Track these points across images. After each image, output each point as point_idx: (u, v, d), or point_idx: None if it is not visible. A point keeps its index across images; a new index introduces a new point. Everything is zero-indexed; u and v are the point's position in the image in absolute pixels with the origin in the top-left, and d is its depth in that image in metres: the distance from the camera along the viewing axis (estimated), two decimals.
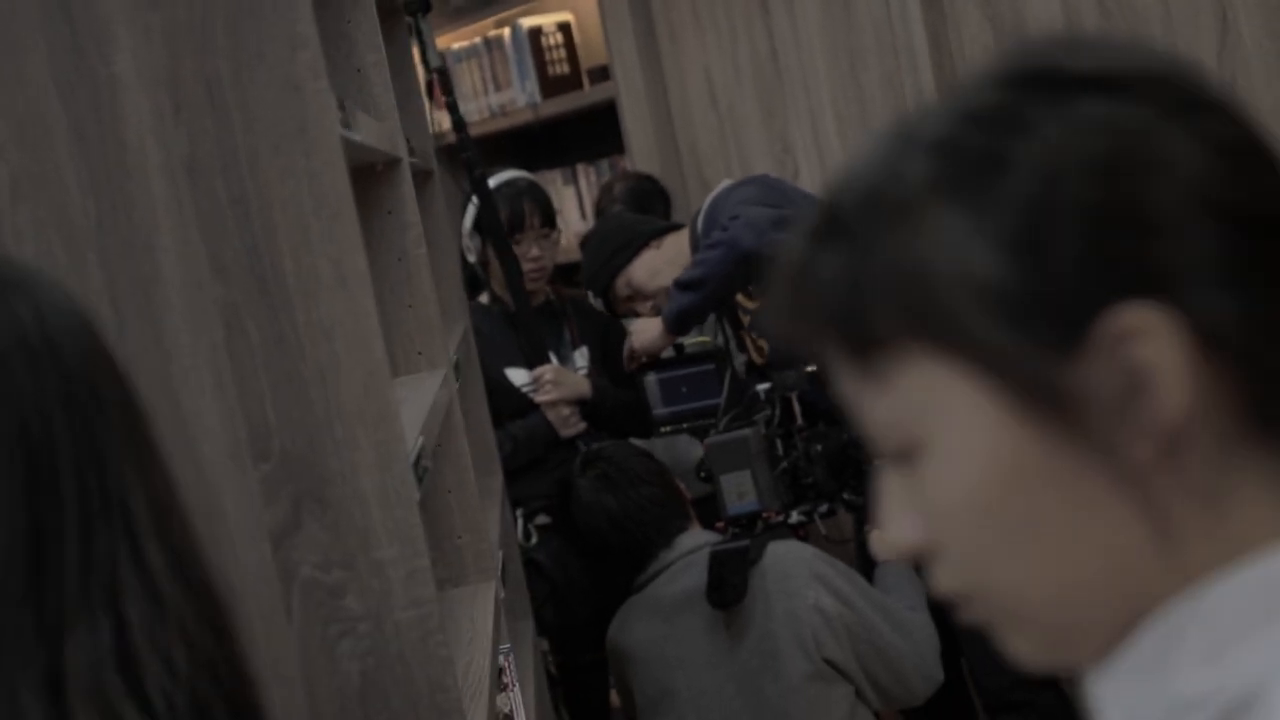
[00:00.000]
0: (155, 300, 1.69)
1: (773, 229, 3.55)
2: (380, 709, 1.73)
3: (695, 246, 3.84)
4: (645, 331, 3.85)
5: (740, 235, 3.59)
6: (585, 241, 4.15)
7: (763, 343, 3.90)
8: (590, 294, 4.11)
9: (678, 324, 3.80)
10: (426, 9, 3.55)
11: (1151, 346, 0.70)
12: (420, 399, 2.20)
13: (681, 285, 3.76)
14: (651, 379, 3.92)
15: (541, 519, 3.94)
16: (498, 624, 2.51)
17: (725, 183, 3.95)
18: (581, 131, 5.42)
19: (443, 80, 3.86)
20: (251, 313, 1.70)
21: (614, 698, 4.07)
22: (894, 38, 4.15)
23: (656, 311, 3.90)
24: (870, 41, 4.24)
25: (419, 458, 1.81)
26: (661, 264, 3.93)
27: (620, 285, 3.99)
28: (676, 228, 4.05)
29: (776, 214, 3.60)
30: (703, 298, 3.70)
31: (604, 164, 5.37)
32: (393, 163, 2.62)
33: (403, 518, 1.72)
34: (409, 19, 3.51)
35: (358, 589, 1.72)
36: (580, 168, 5.43)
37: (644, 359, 3.90)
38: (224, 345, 1.69)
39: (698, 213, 3.94)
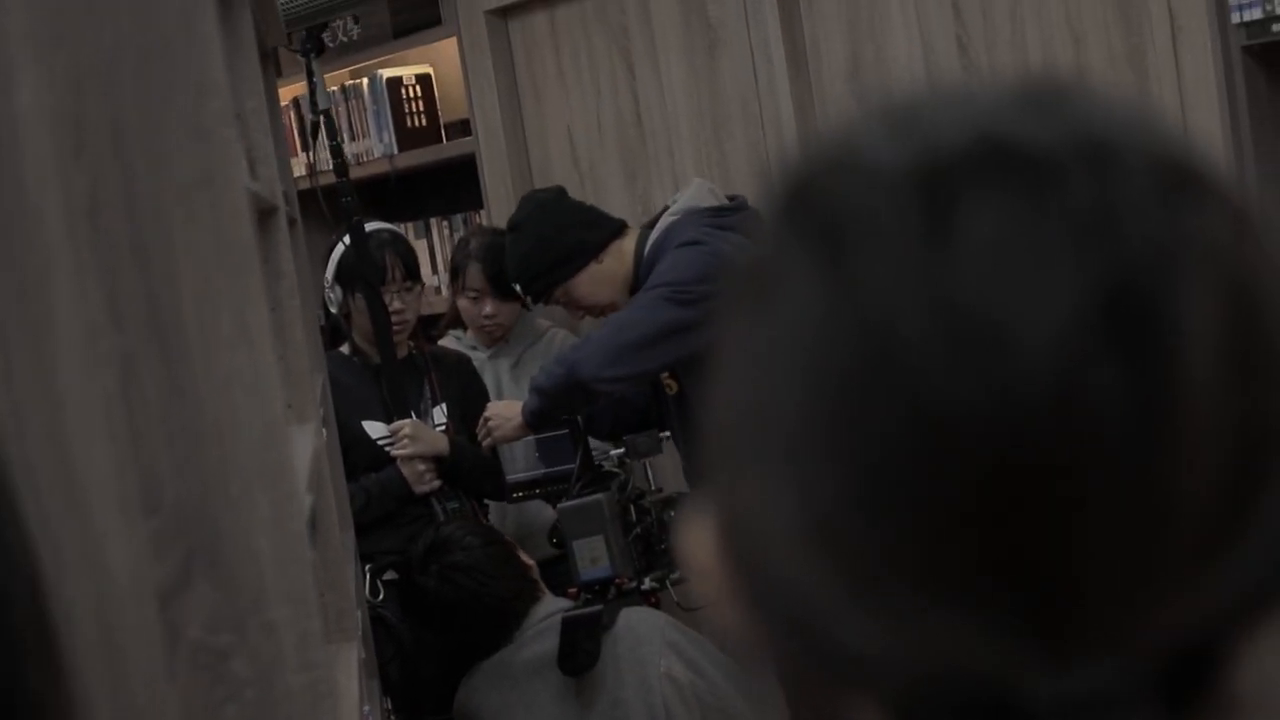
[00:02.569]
0: (47, 346, 1.63)
1: (609, 365, 3.54)
2: None
3: (637, 268, 3.80)
4: (504, 424, 3.81)
5: (576, 365, 3.59)
6: (517, 228, 4.00)
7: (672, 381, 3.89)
8: (516, 287, 4.06)
9: (536, 423, 3.76)
10: (320, 50, 3.51)
11: None
12: (300, 454, 2.15)
13: (535, 389, 3.73)
14: (506, 446, 3.88)
15: (389, 575, 3.88)
16: (362, 686, 2.46)
17: (687, 195, 3.86)
18: (438, 185, 5.39)
19: (328, 124, 3.82)
20: (148, 363, 1.65)
21: None
22: (760, 107, 4.18)
23: (598, 313, 3.87)
24: (736, 109, 4.27)
25: (312, 516, 1.77)
26: (602, 280, 3.89)
27: (557, 295, 3.95)
28: (620, 232, 3.95)
29: (619, 345, 3.56)
30: (549, 409, 3.69)
31: (458, 219, 5.34)
32: (269, 211, 2.58)
33: (296, 577, 1.67)
34: (301, 59, 3.46)
35: (247, 653, 1.67)
36: (434, 222, 5.39)
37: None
38: (119, 395, 1.64)
39: (647, 227, 3.88)
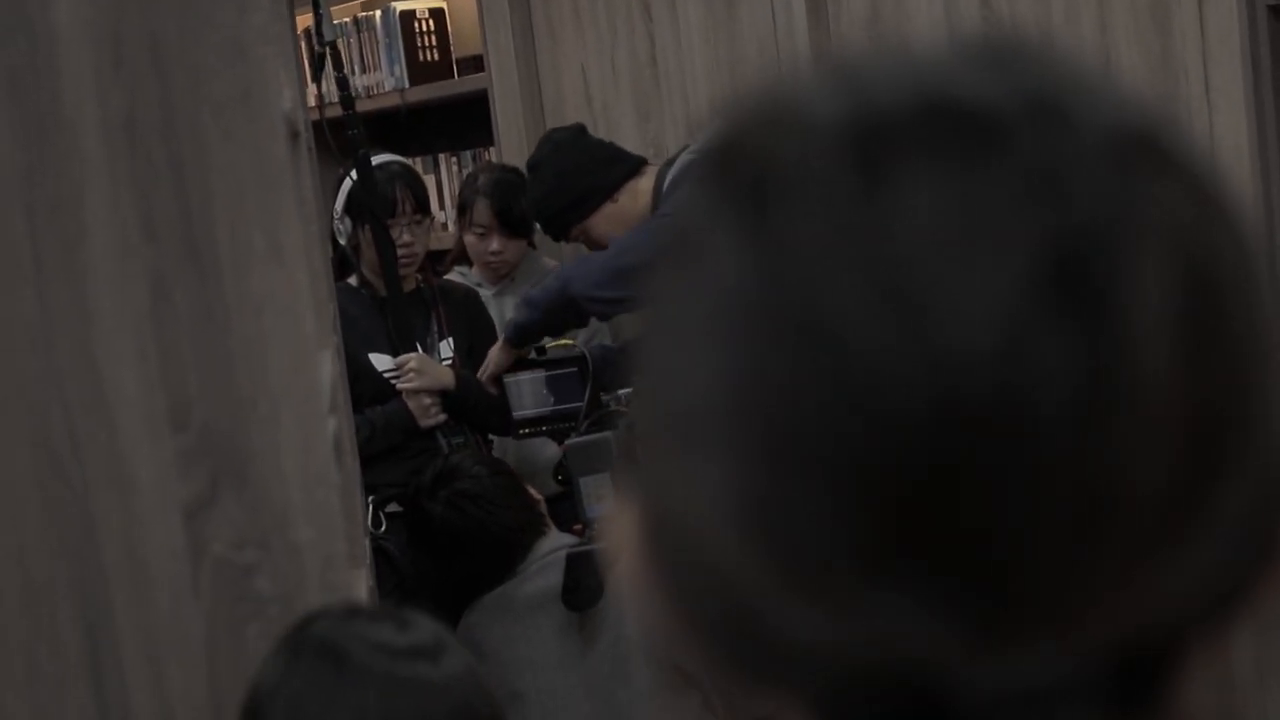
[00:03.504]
0: (80, 260, 1.63)
1: (604, 285, 3.57)
2: None
3: (655, 206, 3.82)
4: (492, 356, 3.87)
5: (572, 280, 3.64)
6: (535, 167, 4.03)
7: None
8: (531, 241, 4.07)
9: (518, 338, 3.81)
10: None
11: None
12: (325, 378, 2.15)
13: (524, 301, 3.79)
14: (513, 381, 3.89)
15: (392, 507, 3.89)
16: None
17: (705, 140, 3.88)
18: (448, 121, 5.37)
19: (334, 55, 3.80)
20: (180, 280, 1.65)
21: None
22: (777, 51, 4.16)
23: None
24: (752, 53, 4.25)
25: (337, 439, 1.77)
26: (619, 219, 3.91)
27: (574, 234, 3.99)
28: (637, 170, 3.97)
29: (615, 268, 3.59)
30: (535, 322, 3.73)
31: (468, 155, 5.32)
32: (294, 134, 2.57)
33: (322, 500, 1.68)
34: None
35: (270, 570, 1.68)
36: (443, 157, 5.37)
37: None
38: (149, 312, 1.64)
39: (667, 165, 3.89)
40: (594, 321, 4.13)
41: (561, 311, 3.70)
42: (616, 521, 0.62)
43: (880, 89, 0.54)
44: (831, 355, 0.52)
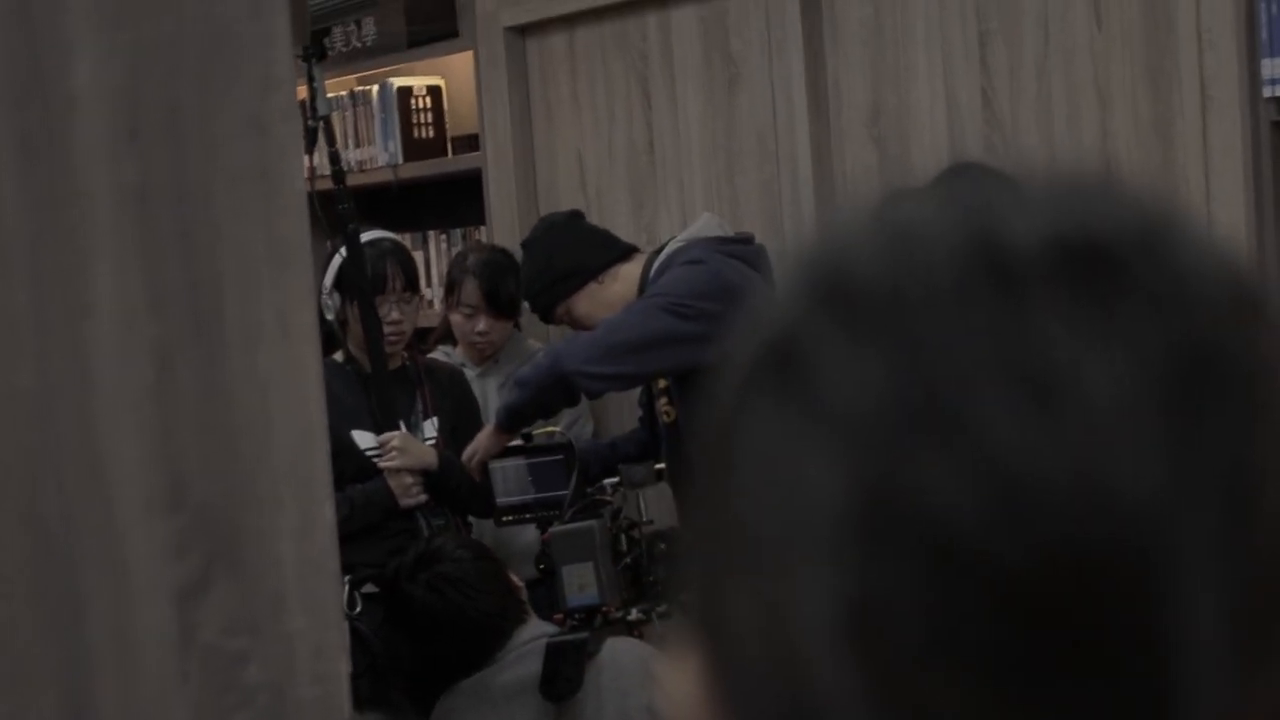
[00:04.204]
0: (84, 331, 1.59)
1: (595, 361, 3.58)
2: None
3: (641, 291, 3.82)
4: (480, 441, 3.84)
5: (563, 356, 3.66)
6: (528, 246, 4.08)
7: (669, 408, 3.92)
8: (516, 323, 4.13)
9: (507, 422, 3.79)
10: (322, 55, 3.48)
11: None
12: (324, 462, 2.11)
13: (514, 382, 3.78)
14: (497, 467, 3.85)
15: (368, 588, 3.84)
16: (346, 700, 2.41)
17: (696, 226, 3.91)
18: (439, 198, 5.35)
19: (327, 129, 3.79)
20: (185, 355, 1.61)
21: None
22: (776, 145, 4.16)
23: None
24: (751, 145, 4.24)
25: (333, 525, 1.73)
26: (602, 301, 3.90)
27: (560, 313, 3.98)
28: (627, 255, 3.99)
29: (607, 344, 3.60)
30: (527, 402, 3.72)
31: (458, 233, 5.30)
32: (305, 215, 2.54)
33: (318, 587, 1.63)
34: (303, 64, 3.43)
35: (261, 658, 1.63)
36: (433, 234, 5.35)
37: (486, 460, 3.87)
38: (151, 386, 1.59)
39: (654, 254, 3.91)
40: (569, 412, 4.10)
41: (552, 389, 3.68)
42: (672, 675, 0.58)
43: (998, 218, 0.55)
44: (974, 453, 0.51)
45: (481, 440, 3.86)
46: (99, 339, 1.58)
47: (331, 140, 3.87)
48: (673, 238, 3.92)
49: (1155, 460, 0.50)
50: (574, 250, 3.96)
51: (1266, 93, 3.21)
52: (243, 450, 1.61)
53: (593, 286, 3.93)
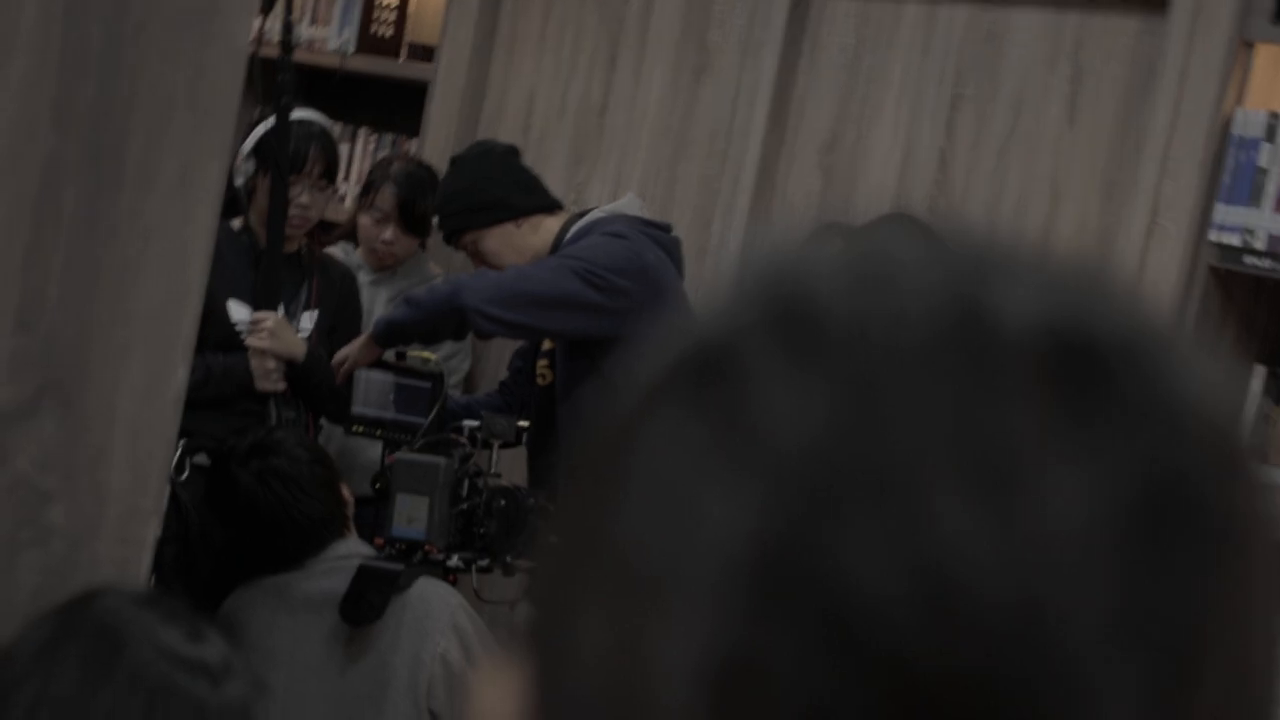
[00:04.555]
0: None
1: (496, 304, 3.52)
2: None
3: (553, 250, 3.75)
4: (354, 348, 3.77)
5: (465, 289, 3.59)
6: (457, 163, 3.95)
7: (547, 370, 3.86)
8: (422, 242, 4.02)
9: (386, 336, 3.72)
10: None
11: None
12: (189, 326, 2.04)
13: (406, 299, 3.71)
14: (362, 375, 3.78)
15: (200, 458, 3.75)
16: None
17: (620, 203, 3.85)
18: (379, 99, 5.25)
19: None
20: (76, 178, 1.53)
21: None
22: (727, 146, 4.11)
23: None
24: (702, 138, 4.20)
25: (180, 393, 1.66)
26: (513, 245, 3.82)
27: (466, 240, 3.87)
28: (550, 208, 3.91)
29: (513, 290, 3.56)
30: (414, 323, 3.65)
31: (388, 138, 5.21)
32: (240, 74, 2.46)
33: (147, 451, 1.57)
34: None
35: (68, 503, 1.56)
36: (364, 132, 5.25)
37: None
38: (34, 199, 1.52)
39: (574, 216, 3.84)
40: (450, 344, 4.04)
41: (444, 318, 3.61)
42: (489, 686, 0.53)
43: (988, 288, 0.49)
44: (904, 521, 0.45)
45: (356, 347, 3.78)
46: None
47: (290, 8, 3.77)
48: (594, 207, 3.87)
49: (1104, 599, 0.46)
50: (502, 185, 3.87)
51: (1213, 235, 3.21)
52: (107, 290, 1.54)
53: (509, 227, 3.85)
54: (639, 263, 3.65)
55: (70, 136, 1.51)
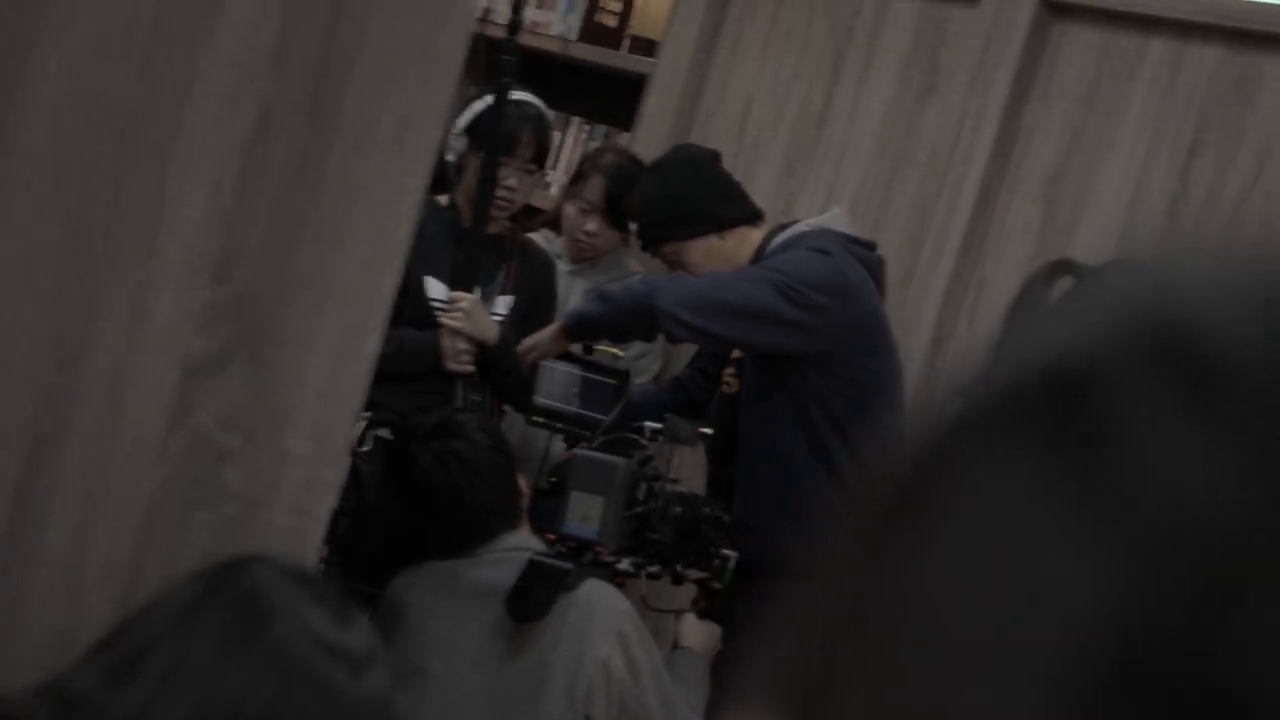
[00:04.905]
0: (197, 59, 1.44)
1: (690, 309, 3.43)
2: None
3: (755, 261, 3.66)
4: (542, 337, 3.69)
5: (660, 292, 3.49)
6: (660, 170, 3.85)
7: (733, 379, 3.77)
8: (625, 237, 3.91)
9: (577, 329, 3.64)
10: None
11: None
12: (387, 292, 1.97)
13: (599, 294, 3.63)
14: (548, 365, 3.71)
15: (383, 432, 3.71)
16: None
17: (826, 217, 3.75)
18: (595, 89, 5.20)
19: None
20: (290, 125, 1.47)
21: None
22: (947, 168, 3.98)
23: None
24: (922, 158, 4.07)
25: (373, 362, 1.59)
26: (715, 256, 3.73)
27: (667, 250, 3.79)
28: (753, 219, 3.81)
29: (709, 298, 3.46)
30: (605, 319, 3.57)
31: (601, 129, 5.15)
32: (468, 39, 2.40)
33: (333, 419, 1.50)
34: None
35: (246, 465, 1.49)
36: (577, 121, 5.20)
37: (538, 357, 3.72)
38: (244, 143, 1.46)
39: (778, 228, 3.74)
40: (640, 344, 3.97)
41: (636, 318, 3.53)
42: None
43: None
44: None
45: (544, 336, 3.71)
46: (209, 73, 1.44)
47: None
48: (798, 219, 3.76)
49: None
50: (707, 194, 3.77)
51: None
52: (309, 247, 1.47)
53: (712, 239, 3.75)
54: (840, 281, 3.54)
55: (288, 83, 1.45)
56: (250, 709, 1.15)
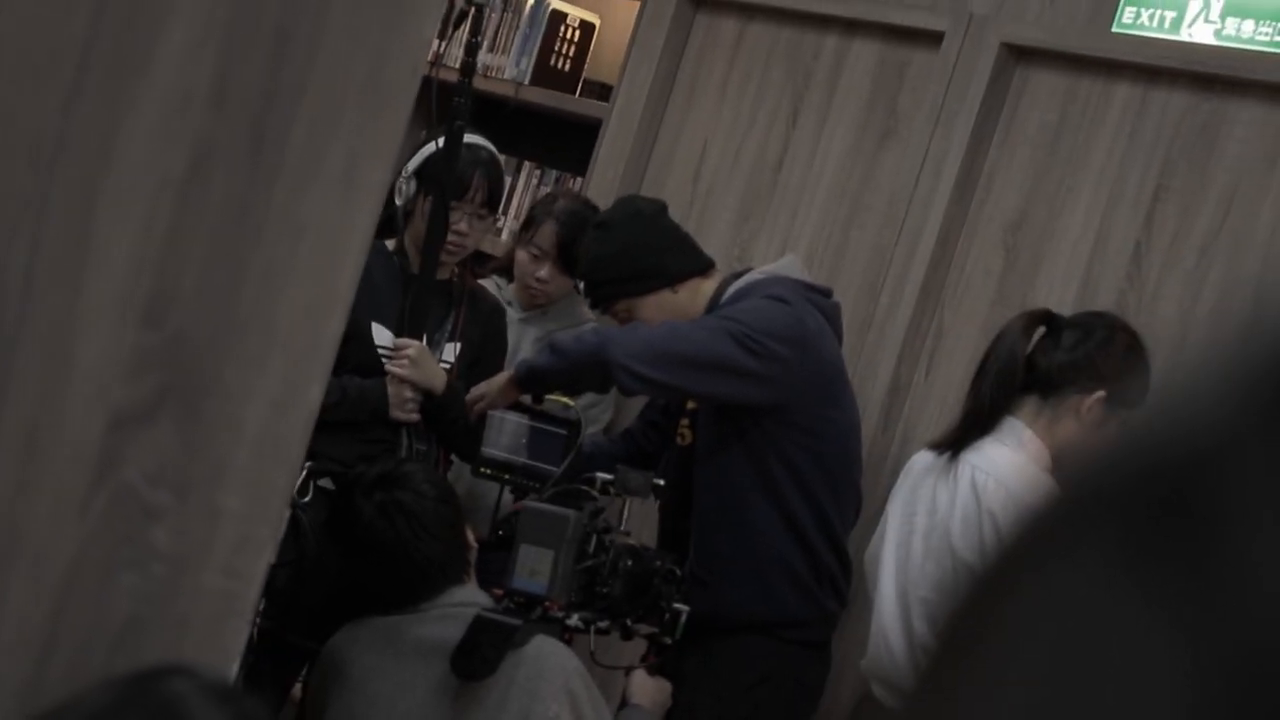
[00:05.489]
0: (131, 88, 1.35)
1: (645, 362, 3.34)
2: (123, 659, 1.40)
3: (709, 312, 3.56)
4: (492, 387, 3.58)
5: (613, 343, 3.39)
6: (605, 228, 3.72)
7: (687, 430, 3.67)
8: (578, 285, 3.80)
9: (527, 380, 3.53)
10: None
11: None
12: (329, 343, 1.87)
13: (550, 345, 3.52)
14: (497, 416, 3.61)
15: (325, 482, 3.60)
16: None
17: (780, 264, 3.66)
18: (549, 134, 5.12)
19: (476, 19, 3.56)
20: (229, 163, 1.37)
21: (296, 691, 3.73)
22: (906, 215, 3.91)
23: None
24: (881, 204, 4.00)
25: (314, 413, 1.49)
26: (669, 310, 3.62)
27: (620, 307, 3.68)
28: (704, 270, 3.71)
29: (664, 349, 3.37)
30: (557, 371, 3.46)
31: (553, 174, 5.07)
32: (420, 76, 2.30)
33: (271, 474, 1.40)
34: None
35: (176, 524, 1.39)
36: (529, 165, 5.12)
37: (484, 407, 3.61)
38: (179, 182, 1.36)
39: (732, 276, 3.64)
40: (594, 395, 3.88)
41: (588, 370, 3.43)
42: None
43: None
44: None
45: (494, 386, 3.61)
46: (142, 104, 1.33)
47: (476, 31, 3.64)
48: (751, 268, 3.67)
49: None
50: (657, 251, 3.66)
51: None
52: (249, 289, 1.37)
53: (665, 293, 3.65)
54: (799, 330, 3.46)
55: (228, 116, 1.35)
56: None
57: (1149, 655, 0.30)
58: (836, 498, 3.58)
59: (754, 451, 3.55)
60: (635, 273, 3.63)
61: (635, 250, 3.64)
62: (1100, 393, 3.10)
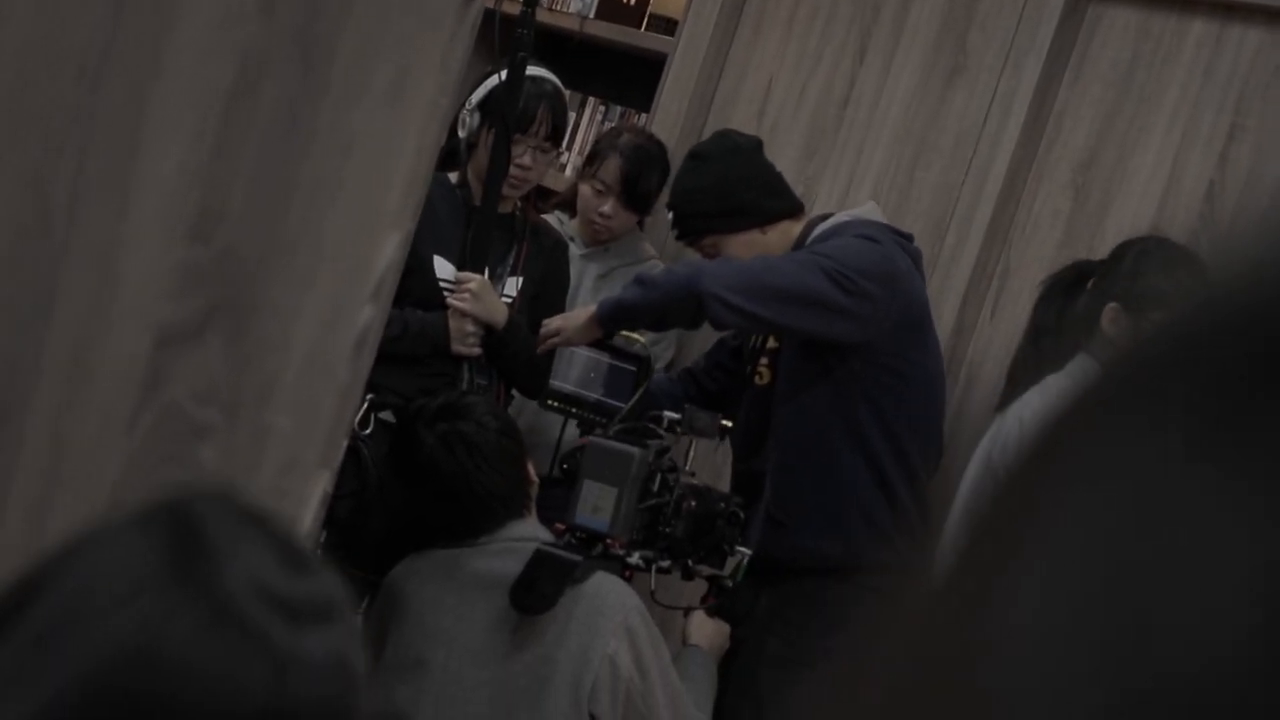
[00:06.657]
0: (175, 16, 1.32)
1: (740, 292, 3.28)
2: None
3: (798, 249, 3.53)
4: (570, 322, 3.53)
5: (706, 275, 3.32)
6: (701, 159, 3.69)
7: (766, 370, 3.63)
8: (669, 213, 3.76)
9: (613, 317, 3.47)
10: None
11: None
12: (381, 261, 1.85)
13: (639, 280, 3.47)
14: (568, 350, 3.58)
15: (386, 415, 3.60)
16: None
17: (867, 208, 3.62)
18: (612, 68, 5.08)
19: None
20: (276, 74, 1.34)
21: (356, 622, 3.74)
22: (973, 155, 3.86)
23: None
24: (947, 144, 3.94)
25: (364, 334, 1.47)
26: (757, 250, 3.57)
27: (708, 242, 3.64)
28: (796, 212, 3.67)
29: (759, 280, 3.31)
30: (647, 305, 3.40)
31: (617, 109, 5.03)
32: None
33: (316, 395, 1.38)
34: None
35: (223, 443, 1.37)
36: (593, 100, 5.08)
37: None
38: (223, 93, 1.33)
39: (818, 218, 3.60)
40: (655, 335, 3.84)
41: (679, 303, 3.34)
42: None
43: None
44: None
45: (574, 322, 3.53)
46: (192, 14, 1.31)
47: None
48: (833, 212, 3.62)
49: None
50: (752, 188, 3.61)
51: None
52: (297, 205, 1.35)
53: (755, 234, 3.60)
54: (889, 267, 3.40)
55: (276, 26, 1.32)
56: (157, 649, 0.99)
57: (1222, 545, 0.27)
58: (920, 443, 3.52)
59: (839, 391, 3.49)
60: (728, 209, 3.59)
61: (730, 186, 3.60)
62: (1113, 304, 3.05)
